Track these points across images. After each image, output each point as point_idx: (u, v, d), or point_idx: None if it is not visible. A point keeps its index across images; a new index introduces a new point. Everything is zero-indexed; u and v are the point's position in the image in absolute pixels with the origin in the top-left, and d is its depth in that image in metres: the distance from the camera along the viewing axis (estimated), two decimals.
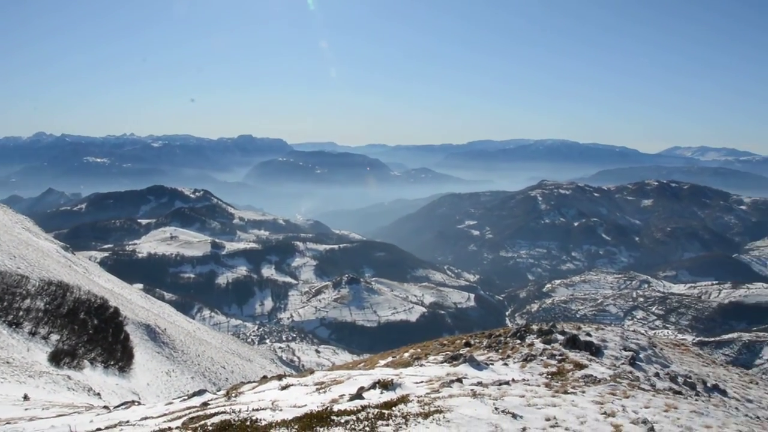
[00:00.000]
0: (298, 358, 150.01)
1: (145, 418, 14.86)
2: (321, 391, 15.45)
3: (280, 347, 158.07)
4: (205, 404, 15.97)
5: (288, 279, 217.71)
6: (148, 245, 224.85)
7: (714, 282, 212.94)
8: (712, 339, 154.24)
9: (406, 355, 25.12)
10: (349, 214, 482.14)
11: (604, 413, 12.33)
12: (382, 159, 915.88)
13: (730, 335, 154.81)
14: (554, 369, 19.39)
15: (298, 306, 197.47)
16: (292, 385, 17.05)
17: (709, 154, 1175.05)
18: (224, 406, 14.28)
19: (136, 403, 21.00)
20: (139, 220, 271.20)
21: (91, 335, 41.92)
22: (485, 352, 23.27)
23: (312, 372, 20.75)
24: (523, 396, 13.43)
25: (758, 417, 18.69)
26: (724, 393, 21.29)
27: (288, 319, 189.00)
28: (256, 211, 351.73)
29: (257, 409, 12.73)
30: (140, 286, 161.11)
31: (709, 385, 21.62)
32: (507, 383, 15.70)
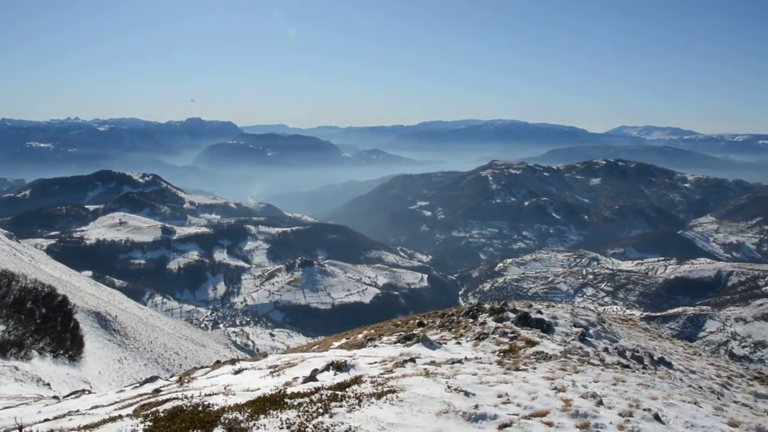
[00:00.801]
0: (253, 342, 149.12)
1: (96, 407, 14.55)
2: (275, 374, 15.36)
3: (234, 332, 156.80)
4: (157, 391, 15.72)
5: (241, 263, 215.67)
6: (96, 232, 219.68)
7: (660, 258, 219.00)
8: (659, 313, 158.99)
9: (360, 336, 25.15)
10: (301, 196, 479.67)
11: (555, 388, 12.54)
12: (333, 141, 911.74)
13: (675, 309, 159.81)
14: (506, 347, 19.66)
15: (252, 290, 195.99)
16: (246, 369, 16.92)
17: (655, 133, 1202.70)
18: (176, 392, 14.08)
19: (87, 392, 20.57)
20: (86, 206, 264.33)
21: (39, 325, 40.88)
22: (438, 331, 23.46)
23: (266, 355, 20.62)
24: (476, 374, 13.58)
25: (701, 387, 19.29)
26: (669, 365, 21.90)
27: (241, 303, 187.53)
28: (207, 195, 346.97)
29: (210, 394, 12.58)
30: (89, 273, 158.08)
31: (655, 358, 22.21)
32: (460, 362, 15.86)
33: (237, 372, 16.57)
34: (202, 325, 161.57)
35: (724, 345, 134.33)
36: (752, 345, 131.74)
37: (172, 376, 22.52)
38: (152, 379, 18.82)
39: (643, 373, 18.07)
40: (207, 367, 20.83)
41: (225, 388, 13.56)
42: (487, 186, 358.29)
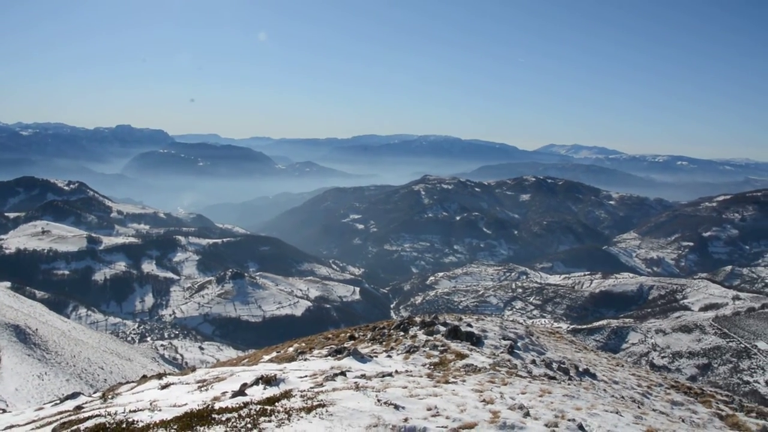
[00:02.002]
0: (182, 355, 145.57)
1: (10, 427, 13.95)
2: (203, 388, 15.07)
3: (162, 345, 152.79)
4: (78, 408, 15.19)
5: (170, 274, 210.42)
6: (16, 240, 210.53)
7: (586, 273, 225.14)
8: (585, 326, 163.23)
9: (291, 349, 24.95)
10: (232, 207, 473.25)
11: (483, 401, 12.74)
12: (266, 152, 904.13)
13: (600, 322, 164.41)
14: (437, 359, 19.85)
15: (181, 302, 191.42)
16: (173, 383, 16.53)
17: (582, 152, 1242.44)
18: (100, 408, 13.64)
19: (1, 411, 19.68)
20: (6, 214, 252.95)
21: None
22: (369, 344, 23.50)
23: (194, 369, 20.20)
24: (406, 387, 13.66)
25: (623, 397, 19.93)
26: (594, 376, 22.54)
27: (170, 315, 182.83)
28: (136, 205, 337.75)
29: (135, 411, 12.24)
30: (8, 284, 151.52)
31: (581, 369, 22.82)
32: (390, 375, 15.92)
33: (164, 387, 16.17)
34: (129, 339, 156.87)
35: (646, 356, 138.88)
36: (671, 355, 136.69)
37: (95, 392, 21.78)
38: (74, 396, 18.14)
39: (569, 384, 18.53)
40: (133, 382, 20.25)
41: (151, 404, 13.22)
42: (420, 200, 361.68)
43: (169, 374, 18.62)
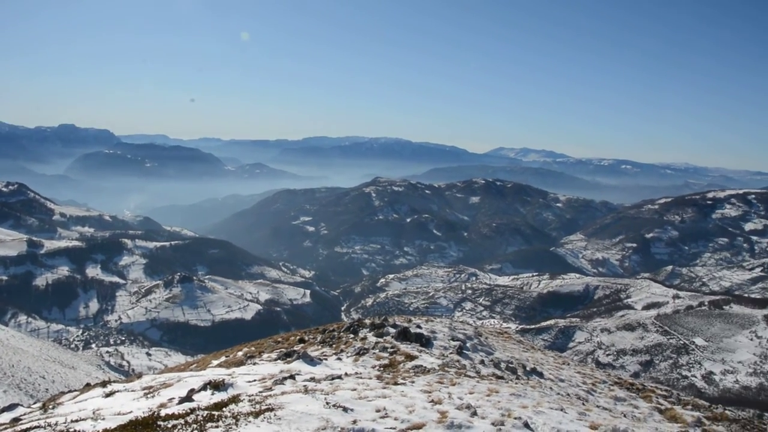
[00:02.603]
0: (128, 362, 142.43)
1: None
2: (149, 395, 14.81)
3: (107, 352, 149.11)
4: (16, 420, 14.73)
5: (115, 279, 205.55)
6: None
7: (534, 273, 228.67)
8: (533, 326, 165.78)
9: (240, 353, 24.72)
10: (181, 210, 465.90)
11: (432, 401, 12.86)
12: (215, 153, 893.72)
13: (548, 322, 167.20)
14: (386, 361, 19.93)
15: (127, 307, 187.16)
16: (118, 391, 16.19)
17: (531, 155, 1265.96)
18: (39, 420, 13.27)
19: None
20: None
21: None
22: (319, 347, 23.45)
23: (140, 376, 19.82)
24: (355, 389, 13.70)
25: (568, 394, 20.35)
26: (540, 375, 22.95)
27: (116, 321, 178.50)
28: (80, 207, 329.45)
29: (77, 420, 11.97)
30: None
31: (528, 368, 23.21)
32: (340, 377, 15.93)
33: (108, 395, 15.82)
34: (73, 346, 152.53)
35: (591, 354, 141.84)
36: (615, 353, 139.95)
37: (35, 403, 21.15)
38: (11, 407, 17.54)
39: (517, 383, 18.83)
40: (75, 390, 19.75)
41: (94, 413, 12.91)
42: (370, 202, 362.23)
43: (114, 382, 18.23)
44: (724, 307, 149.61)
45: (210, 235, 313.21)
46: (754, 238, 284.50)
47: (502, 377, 19.71)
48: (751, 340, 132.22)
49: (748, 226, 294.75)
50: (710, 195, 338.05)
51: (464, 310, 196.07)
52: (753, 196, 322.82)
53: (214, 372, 18.65)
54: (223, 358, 24.75)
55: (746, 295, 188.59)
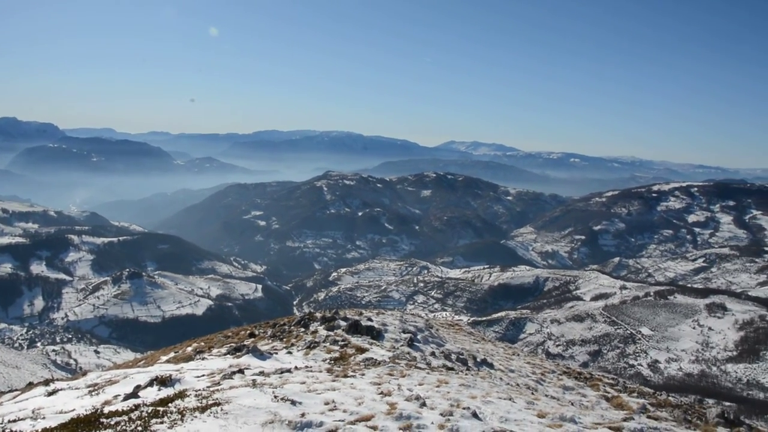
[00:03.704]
0: (75, 360, 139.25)
1: None
2: (93, 393, 14.46)
3: (53, 350, 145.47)
4: None
5: (62, 275, 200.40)
6: None
7: (485, 266, 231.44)
8: (485, 318, 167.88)
9: (189, 349, 24.36)
10: (129, 204, 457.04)
11: (381, 393, 12.87)
12: (164, 147, 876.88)
13: (499, 314, 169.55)
14: (337, 354, 19.89)
15: (74, 304, 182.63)
16: (61, 389, 15.76)
17: (481, 149, 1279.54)
18: None
19: None
20: None
21: None
22: (270, 341, 23.26)
23: (85, 374, 19.34)
24: (304, 382, 13.63)
25: (518, 384, 20.61)
26: (491, 366, 23.20)
27: (63, 319, 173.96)
28: (23, 202, 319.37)
29: (15, 420, 11.61)
30: None
31: (478, 359, 23.44)
32: (289, 371, 15.83)
33: (51, 393, 15.39)
34: (17, 345, 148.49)
35: (542, 345, 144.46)
36: (565, 343, 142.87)
37: None
38: None
39: (467, 374, 19.01)
40: (17, 390, 19.17)
41: (34, 412, 12.54)
42: (322, 196, 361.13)
43: (58, 380, 17.74)
44: (668, 297, 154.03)
45: (159, 230, 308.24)
46: (697, 229, 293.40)
47: (452, 368, 19.87)
48: (694, 328, 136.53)
49: (691, 218, 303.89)
50: (655, 188, 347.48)
51: (416, 303, 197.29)
52: (696, 188, 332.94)
53: (161, 368, 18.32)
54: (172, 354, 24.33)
55: (689, 285, 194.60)
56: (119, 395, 13.51)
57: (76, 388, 15.59)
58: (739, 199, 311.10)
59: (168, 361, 21.67)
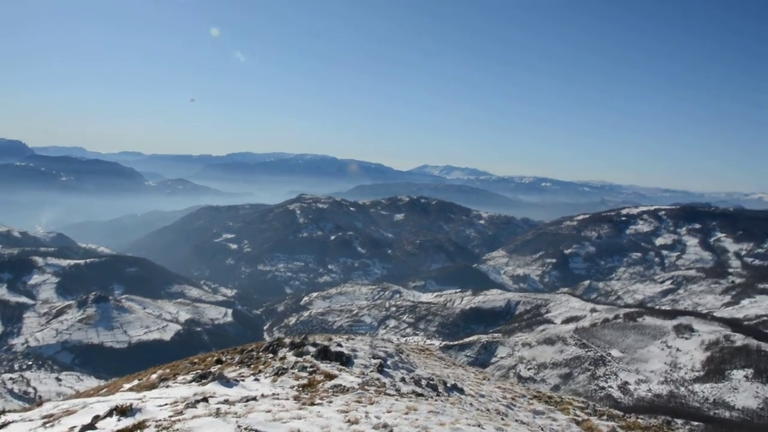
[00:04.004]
0: (35, 388, 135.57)
1: None
2: (48, 425, 13.94)
3: (11, 378, 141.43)
4: None
5: (23, 299, 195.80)
6: None
7: (457, 290, 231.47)
8: (456, 342, 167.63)
9: (154, 376, 23.79)
10: (98, 226, 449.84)
11: (348, 421, 12.60)
12: (136, 168, 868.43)
13: (471, 338, 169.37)
14: (305, 381, 19.54)
15: (36, 329, 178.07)
16: (13, 421, 15.15)
17: (454, 173, 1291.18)
18: None
19: None
20: None
21: None
22: (237, 368, 22.83)
23: (41, 404, 18.68)
24: (270, 411, 13.28)
25: (488, 409, 20.42)
26: (461, 391, 23.00)
27: (23, 345, 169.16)
28: None
29: None
30: None
31: (449, 385, 23.23)
32: (255, 399, 15.46)
33: (1, 427, 14.80)
34: None
35: (513, 368, 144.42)
36: (536, 367, 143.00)
37: None
38: None
39: (436, 400, 18.77)
40: None
41: None
42: (295, 220, 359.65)
43: (10, 411, 17.09)
44: (637, 319, 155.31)
45: (129, 252, 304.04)
46: (665, 252, 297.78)
47: (422, 394, 19.62)
48: (662, 350, 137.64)
49: (659, 241, 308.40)
50: (624, 212, 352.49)
51: (388, 328, 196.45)
52: (663, 212, 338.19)
53: (123, 396, 17.79)
54: (135, 382, 23.73)
55: (657, 307, 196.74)
56: (76, 427, 13.04)
57: (30, 420, 15.01)
58: (705, 222, 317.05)
59: (131, 389, 21.10)
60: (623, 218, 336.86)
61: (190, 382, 20.01)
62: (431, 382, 22.66)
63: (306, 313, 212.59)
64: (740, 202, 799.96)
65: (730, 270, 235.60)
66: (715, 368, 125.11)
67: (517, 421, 18.86)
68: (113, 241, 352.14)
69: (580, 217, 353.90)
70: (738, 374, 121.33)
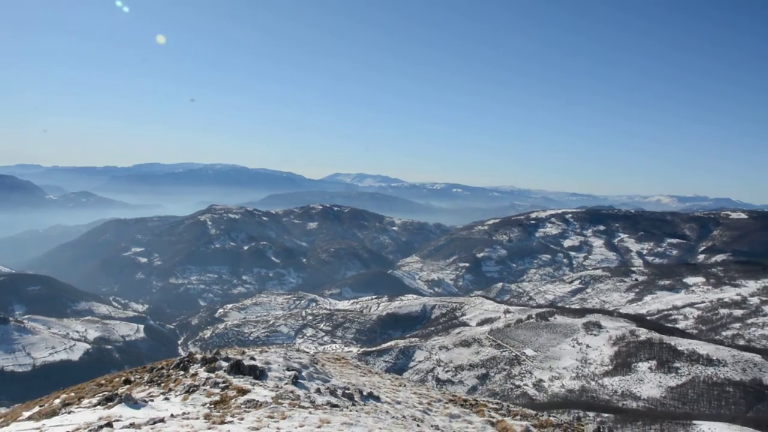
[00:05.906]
0: None
1: None
2: None
3: None
4: None
5: None
6: None
7: (373, 296, 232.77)
8: (374, 348, 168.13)
9: (57, 401, 22.60)
10: None
11: None
12: (35, 181, 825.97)
13: (388, 344, 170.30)
14: (218, 398, 19.03)
15: None
16: None
17: (367, 180, 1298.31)
18: None
19: None
20: None
21: None
22: (147, 387, 22.00)
23: None
24: None
25: (404, 416, 20.46)
26: (378, 399, 22.96)
27: None
28: None
29: None
30: None
31: (365, 393, 23.15)
32: (162, 420, 14.92)
33: None
34: None
35: (432, 371, 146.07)
36: (454, 369, 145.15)
37: None
38: None
39: (351, 410, 18.67)
40: None
41: None
42: (206, 231, 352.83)
43: None
44: (549, 318, 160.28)
45: (30, 270, 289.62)
46: (573, 253, 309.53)
47: (337, 405, 19.47)
48: (573, 347, 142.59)
49: (567, 243, 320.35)
50: (533, 215, 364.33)
51: (305, 337, 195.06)
52: (570, 215, 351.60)
53: (19, 426, 16.79)
54: (36, 408, 22.49)
55: (567, 306, 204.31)
56: None
57: None
58: (609, 224, 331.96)
59: (30, 418, 19.96)
60: (532, 222, 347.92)
61: (96, 405, 19.11)
62: (347, 391, 22.53)
63: (221, 326, 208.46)
64: (640, 205, 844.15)
65: (633, 269, 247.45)
66: (623, 362, 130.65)
67: (432, 426, 19.01)
68: (12, 259, 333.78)
69: (491, 222, 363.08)
70: (643, 366, 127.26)
